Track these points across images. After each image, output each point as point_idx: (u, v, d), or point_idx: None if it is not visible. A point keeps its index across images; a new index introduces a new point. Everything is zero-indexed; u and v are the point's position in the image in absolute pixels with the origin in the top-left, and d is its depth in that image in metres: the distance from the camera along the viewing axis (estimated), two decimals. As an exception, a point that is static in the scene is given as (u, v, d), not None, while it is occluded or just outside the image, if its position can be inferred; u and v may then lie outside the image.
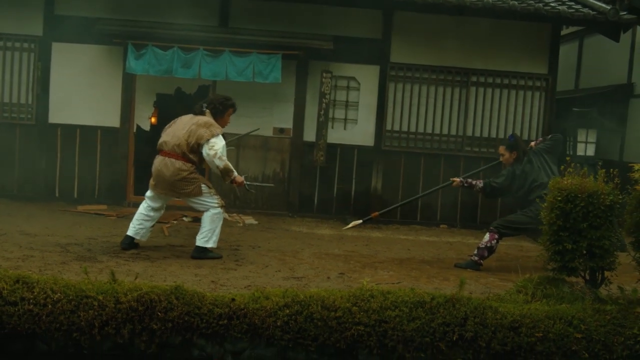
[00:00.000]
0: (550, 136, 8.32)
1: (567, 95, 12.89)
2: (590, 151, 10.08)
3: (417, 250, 8.52)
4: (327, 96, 9.91)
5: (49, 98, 10.18)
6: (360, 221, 8.32)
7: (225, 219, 9.57)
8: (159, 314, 5.16)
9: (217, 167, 7.01)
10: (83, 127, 10.18)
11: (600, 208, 5.60)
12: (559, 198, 5.79)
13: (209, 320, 5.19)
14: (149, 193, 7.32)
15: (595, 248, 5.61)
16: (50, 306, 5.11)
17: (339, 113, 10.40)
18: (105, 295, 5.19)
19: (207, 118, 7.15)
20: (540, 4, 9.69)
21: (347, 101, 10.41)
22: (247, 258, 7.32)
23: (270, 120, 10.31)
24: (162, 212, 7.51)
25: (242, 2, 10.18)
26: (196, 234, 8.39)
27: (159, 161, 7.10)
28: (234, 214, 9.99)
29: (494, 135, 10.45)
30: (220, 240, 8.07)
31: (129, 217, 9.19)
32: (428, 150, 10.41)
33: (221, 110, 7.27)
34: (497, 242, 7.60)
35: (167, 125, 7.41)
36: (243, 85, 9.94)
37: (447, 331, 5.23)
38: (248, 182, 7.44)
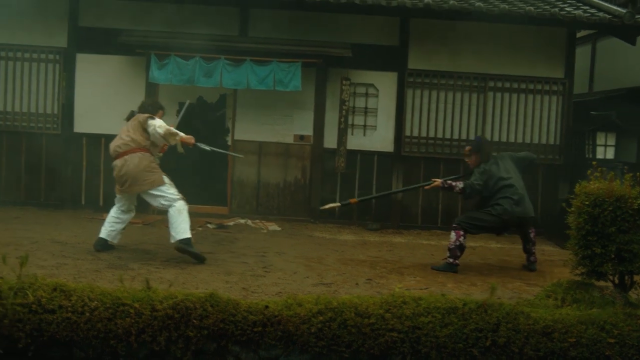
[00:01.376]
0: (524, 152, 8.51)
1: (581, 98, 12.91)
2: (610, 154, 10.11)
3: (440, 255, 8.53)
4: (347, 103, 10.00)
5: (74, 108, 10.35)
6: (339, 204, 8.56)
7: (249, 226, 9.78)
8: (195, 321, 5.24)
9: (160, 134, 7.37)
10: (107, 136, 10.22)
11: (628, 212, 5.65)
12: (587, 202, 5.85)
13: (243, 327, 5.25)
14: (116, 199, 7.68)
15: (624, 252, 5.66)
16: (87, 314, 5.19)
17: (359, 119, 10.50)
18: (141, 303, 5.27)
19: (141, 114, 7.59)
20: (556, 9, 9.74)
21: (366, 108, 10.51)
22: (275, 265, 7.41)
23: (291, 127, 10.42)
24: (133, 214, 7.81)
25: (261, 11, 10.29)
26: (221, 240, 8.61)
27: (119, 162, 7.41)
28: (257, 221, 10.08)
29: (512, 139, 10.51)
30: (246, 247, 8.29)
31: (155, 225, 9.41)
32: (447, 156, 10.47)
33: (151, 111, 7.67)
34: (465, 238, 7.64)
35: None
36: (263, 93, 10.05)
37: (480, 337, 5.27)
38: (200, 143, 7.75)
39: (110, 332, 5.18)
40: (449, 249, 7.67)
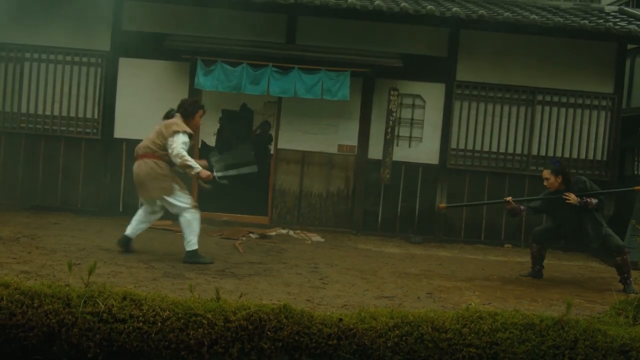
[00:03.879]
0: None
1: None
2: (660, 172, 10.01)
3: (491, 270, 8.44)
4: (394, 114, 9.87)
5: (115, 113, 10.23)
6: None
7: (292, 236, 9.64)
8: (269, 333, 5.08)
9: (176, 163, 7.25)
10: (148, 143, 10.18)
11: None
12: (662, 221, 5.72)
13: (318, 339, 5.08)
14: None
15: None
16: (159, 324, 5.03)
17: (404, 131, 10.37)
18: (213, 313, 5.11)
19: (174, 120, 7.41)
20: (610, 23, 9.62)
21: (412, 119, 10.38)
22: (330, 277, 7.26)
23: (335, 137, 10.30)
24: (157, 216, 7.70)
25: (308, 19, 10.18)
26: (268, 251, 8.48)
27: (135, 166, 7.45)
28: (299, 231, 9.94)
29: (559, 154, 10.35)
30: (295, 257, 8.17)
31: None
32: (493, 169, 10.34)
33: (191, 111, 7.49)
34: None
35: None
36: (308, 102, 9.94)
37: (557, 354, 5.10)
38: (219, 174, 7.60)
39: (181, 343, 5.02)
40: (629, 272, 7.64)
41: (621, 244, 7.65)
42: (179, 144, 7.15)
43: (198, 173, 7.23)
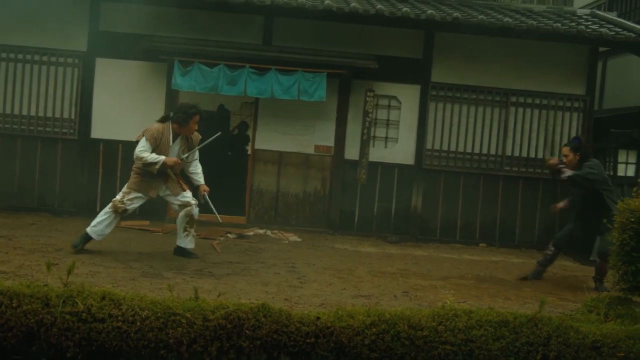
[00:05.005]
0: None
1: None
2: (631, 172, 10.17)
3: (466, 269, 8.56)
4: (370, 115, 9.98)
5: (92, 113, 10.20)
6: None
7: (269, 236, 9.70)
8: (247, 331, 5.14)
9: (140, 166, 7.56)
10: (125, 143, 10.10)
11: (675, 228, 5.64)
12: (632, 219, 5.82)
13: (296, 338, 5.15)
14: None
15: (669, 268, 5.65)
16: (138, 323, 5.06)
17: (380, 131, 10.46)
18: (192, 312, 5.16)
19: (150, 126, 7.62)
20: (582, 27, 9.80)
21: (388, 120, 10.48)
22: (308, 276, 7.33)
23: (312, 138, 10.36)
24: (181, 209, 7.77)
25: (285, 20, 10.23)
26: (246, 250, 8.57)
27: None
28: (276, 231, 10.00)
29: (532, 155, 10.53)
30: (273, 257, 8.25)
31: (175, 233, 9.25)
32: (468, 170, 10.48)
33: (184, 119, 7.55)
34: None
35: None
36: (285, 103, 9.99)
37: (531, 350, 5.22)
38: (184, 155, 7.69)
39: (160, 342, 5.05)
40: (604, 275, 7.64)
41: (604, 250, 7.43)
42: (138, 149, 7.47)
43: (164, 162, 7.43)
